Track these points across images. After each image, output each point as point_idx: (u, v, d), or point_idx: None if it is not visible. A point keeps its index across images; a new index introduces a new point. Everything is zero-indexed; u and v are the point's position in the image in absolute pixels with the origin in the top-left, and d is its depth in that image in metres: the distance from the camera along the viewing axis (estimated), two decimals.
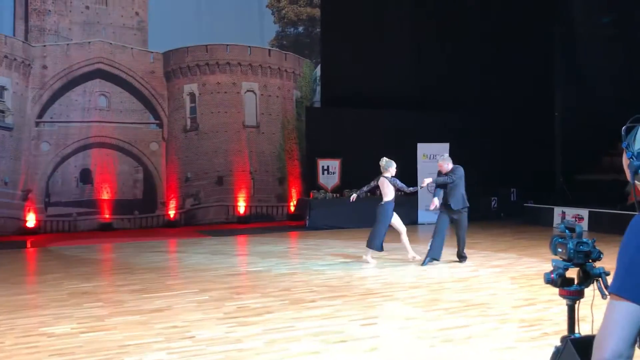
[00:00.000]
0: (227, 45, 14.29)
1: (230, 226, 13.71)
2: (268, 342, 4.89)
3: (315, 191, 13.67)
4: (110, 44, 13.44)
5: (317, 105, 15.31)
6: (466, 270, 8.17)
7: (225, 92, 14.25)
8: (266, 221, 14.40)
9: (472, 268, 8.31)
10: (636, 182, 1.59)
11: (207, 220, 14.06)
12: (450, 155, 14.19)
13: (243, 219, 14.18)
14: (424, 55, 15.31)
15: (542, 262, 8.54)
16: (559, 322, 5.18)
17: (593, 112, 15.89)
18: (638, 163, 1.56)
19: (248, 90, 14.45)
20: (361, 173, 13.96)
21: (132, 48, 13.60)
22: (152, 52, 13.80)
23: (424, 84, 14.98)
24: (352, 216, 12.92)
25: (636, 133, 1.61)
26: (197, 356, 4.55)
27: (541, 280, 2.44)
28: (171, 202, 13.82)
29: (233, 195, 14.25)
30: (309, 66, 15.22)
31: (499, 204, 15.09)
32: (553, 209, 13.22)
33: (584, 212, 12.60)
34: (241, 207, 14.29)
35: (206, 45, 14.14)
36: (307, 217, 13.05)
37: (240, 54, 14.38)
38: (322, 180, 14.10)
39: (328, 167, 14.16)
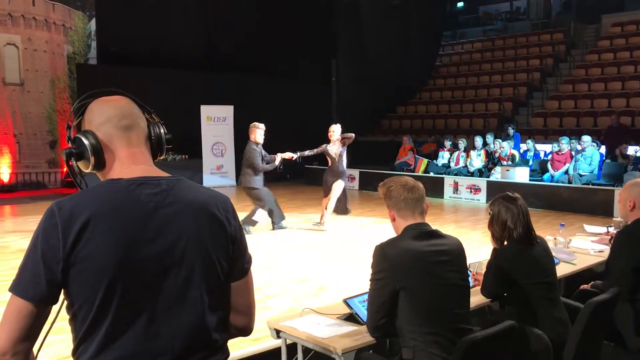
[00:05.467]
0: None
1: None
2: None
3: None
4: None
5: (93, 62, 14.18)
6: None
7: None
8: (37, 189, 13.16)
9: None
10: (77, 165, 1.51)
11: None
12: (235, 119, 14.31)
13: (8, 188, 12.79)
14: (213, 14, 14.88)
15: (305, 222, 8.89)
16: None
17: (373, 78, 16.91)
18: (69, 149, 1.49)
19: (8, 44, 12.84)
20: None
21: None
22: None
23: (209, 43, 14.61)
24: None
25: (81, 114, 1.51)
26: None
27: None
28: None
29: None
30: (81, 19, 13.96)
31: (284, 166, 15.40)
32: None
33: (356, 172, 13.40)
34: (5, 174, 12.86)
35: None
36: (79, 185, 12.12)
37: None
38: None
39: None
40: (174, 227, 1.37)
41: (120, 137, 1.46)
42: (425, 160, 13.25)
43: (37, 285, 1.30)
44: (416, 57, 18.47)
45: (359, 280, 5.09)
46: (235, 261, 1.49)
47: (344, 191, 8.69)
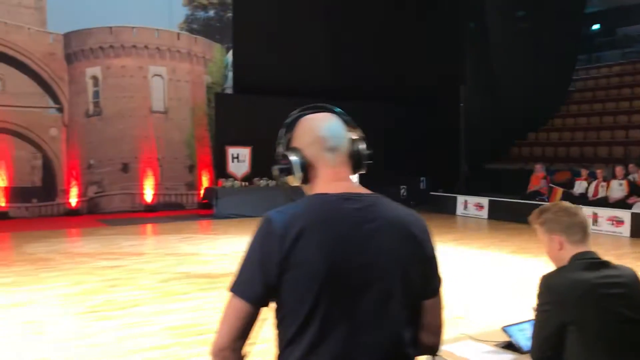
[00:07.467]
0: (133, 27, 13.76)
1: (137, 215, 13.30)
2: (120, 337, 4.72)
3: (223, 179, 13.46)
4: (6, 23, 12.66)
5: (229, 91, 15.01)
6: None
7: (131, 76, 13.74)
8: (175, 209, 14.05)
9: None
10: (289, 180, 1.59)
11: (111, 209, 13.57)
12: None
13: (150, 208, 13.78)
14: (339, 44, 15.24)
15: None
16: None
17: (502, 103, 16.40)
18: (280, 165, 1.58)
19: (155, 75, 13.99)
20: (272, 162, 13.89)
21: (29, 28, 12.87)
22: (51, 33, 13.09)
23: (337, 73, 14.91)
24: (260, 205, 12.76)
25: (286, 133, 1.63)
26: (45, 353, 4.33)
27: None
28: (73, 189, 13.25)
29: (139, 183, 13.82)
30: (220, 51, 14.88)
31: (408, 192, 15.31)
32: (456, 197, 13.55)
33: (485, 201, 12.97)
34: (148, 195, 13.88)
35: (110, 27, 13.56)
36: (215, 206, 12.84)
37: (147, 37, 13.89)
38: (231, 169, 13.88)
39: (238, 155, 13.93)
40: (376, 242, 1.43)
41: (325, 157, 1.54)
42: (561, 190, 12.55)
43: (254, 287, 1.39)
44: (548, 82, 17.65)
45: (499, 311, 4.91)
46: (429, 280, 1.52)
47: None
